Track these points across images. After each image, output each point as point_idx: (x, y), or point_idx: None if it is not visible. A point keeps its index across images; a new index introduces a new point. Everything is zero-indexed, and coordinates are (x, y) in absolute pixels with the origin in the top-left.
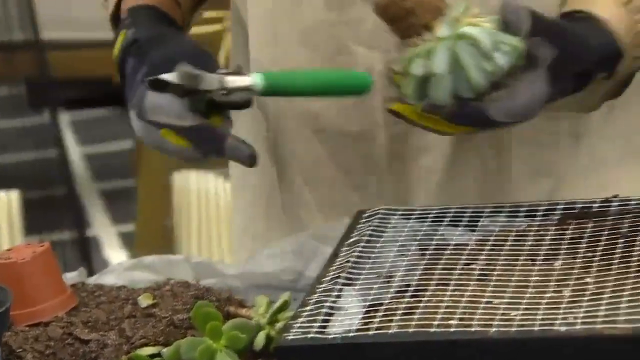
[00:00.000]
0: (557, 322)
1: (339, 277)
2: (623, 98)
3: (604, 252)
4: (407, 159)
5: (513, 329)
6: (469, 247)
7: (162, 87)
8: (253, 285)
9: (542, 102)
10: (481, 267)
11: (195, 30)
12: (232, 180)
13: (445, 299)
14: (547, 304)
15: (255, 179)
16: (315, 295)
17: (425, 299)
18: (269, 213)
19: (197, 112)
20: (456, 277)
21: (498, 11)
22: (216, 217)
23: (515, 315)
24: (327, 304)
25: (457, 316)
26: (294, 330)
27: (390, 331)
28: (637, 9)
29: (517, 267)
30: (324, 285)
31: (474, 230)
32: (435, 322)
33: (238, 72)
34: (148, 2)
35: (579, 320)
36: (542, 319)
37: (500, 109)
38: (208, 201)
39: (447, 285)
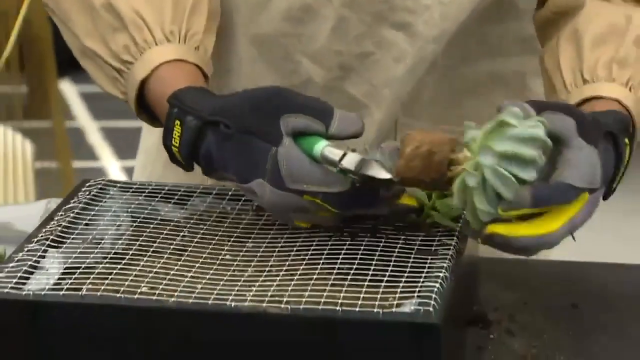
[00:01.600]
0: (230, 297)
1: (47, 239)
2: None
3: (287, 240)
4: None
5: (190, 300)
6: (173, 222)
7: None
8: None
9: (599, 163)
10: (178, 241)
11: None
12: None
13: (139, 267)
14: (227, 280)
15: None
16: (21, 253)
17: (122, 265)
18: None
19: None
20: (154, 247)
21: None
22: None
23: (198, 288)
24: (30, 262)
25: (145, 284)
26: None
27: (79, 293)
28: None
29: (211, 245)
30: (31, 245)
31: (183, 208)
32: (123, 288)
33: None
34: (190, 85)
35: (249, 297)
36: (218, 293)
37: (574, 176)
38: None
39: (145, 254)
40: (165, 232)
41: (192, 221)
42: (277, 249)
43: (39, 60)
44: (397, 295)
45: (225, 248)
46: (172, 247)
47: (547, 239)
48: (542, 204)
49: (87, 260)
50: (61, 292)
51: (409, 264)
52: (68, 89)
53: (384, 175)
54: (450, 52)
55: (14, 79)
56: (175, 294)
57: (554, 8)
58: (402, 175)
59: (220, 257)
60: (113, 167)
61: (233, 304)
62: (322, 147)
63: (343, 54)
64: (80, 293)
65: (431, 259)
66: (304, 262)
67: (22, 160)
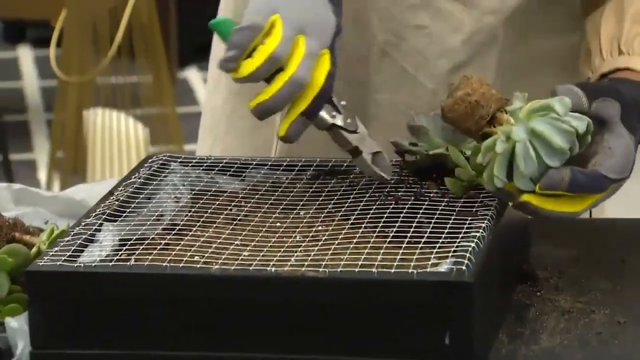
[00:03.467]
0: (272, 262)
1: (104, 213)
2: None
3: (335, 205)
4: None
5: (233, 267)
6: (227, 192)
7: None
8: (64, 212)
9: (634, 153)
10: (229, 210)
11: None
12: (209, 78)
13: (189, 236)
14: (271, 245)
15: (227, 83)
16: (78, 228)
17: (173, 235)
18: (231, 119)
19: None
20: (205, 217)
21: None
22: (126, 150)
23: (243, 255)
24: (85, 236)
25: (192, 252)
26: (47, 257)
27: (127, 263)
28: None
29: (260, 213)
30: (88, 220)
31: (239, 179)
32: (170, 257)
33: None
34: None
35: (291, 262)
36: (261, 259)
37: (610, 168)
38: (118, 137)
39: (196, 224)
40: (218, 202)
41: (245, 191)
42: (323, 214)
43: (150, 50)
44: (433, 256)
45: (274, 215)
46: (223, 216)
47: (570, 215)
48: (577, 190)
49: (140, 232)
50: (110, 264)
51: (449, 225)
52: (193, 76)
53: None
54: (512, 26)
55: (127, 68)
56: (220, 261)
57: None
58: (445, 112)
59: (268, 224)
60: None
61: (274, 269)
62: None
63: (397, 19)
64: (128, 264)
65: (470, 219)
66: (347, 226)
67: (136, 144)
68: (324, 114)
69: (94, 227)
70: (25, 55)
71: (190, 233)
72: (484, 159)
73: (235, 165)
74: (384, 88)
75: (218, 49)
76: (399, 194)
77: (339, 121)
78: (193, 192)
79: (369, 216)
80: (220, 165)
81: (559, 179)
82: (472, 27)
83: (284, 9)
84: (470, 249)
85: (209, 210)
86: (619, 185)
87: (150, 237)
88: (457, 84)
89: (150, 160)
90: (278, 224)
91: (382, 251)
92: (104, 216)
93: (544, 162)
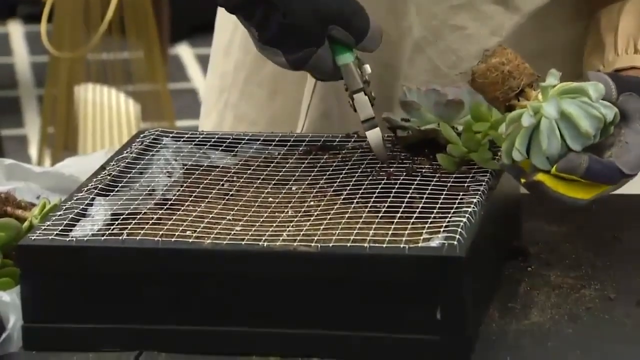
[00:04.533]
0: (264, 237)
1: (96, 187)
2: None
3: (327, 180)
4: None
5: (225, 242)
6: (219, 167)
7: None
8: (55, 187)
9: None
10: (222, 185)
11: None
12: (217, 44)
13: (181, 211)
14: (264, 220)
15: (242, 49)
16: (69, 202)
17: (165, 210)
18: (245, 85)
19: None
20: (197, 192)
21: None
22: (117, 127)
23: (235, 229)
24: (77, 210)
25: (185, 227)
26: (40, 232)
27: (119, 237)
28: None
29: (253, 187)
30: (80, 194)
31: (231, 154)
32: (162, 232)
33: None
34: None
35: (283, 237)
36: (254, 234)
37: (625, 163)
38: (109, 113)
39: (188, 198)
40: (210, 177)
41: (237, 166)
42: (315, 190)
43: (142, 26)
44: (424, 231)
45: (267, 190)
46: (215, 191)
47: (578, 202)
48: (591, 178)
49: (132, 207)
50: (102, 238)
51: (440, 201)
52: (185, 52)
53: (366, 114)
54: (530, 19)
55: (118, 44)
56: (212, 235)
57: None
58: (475, 77)
59: (260, 199)
60: None
61: (266, 243)
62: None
63: (438, 17)
64: (120, 238)
65: (462, 195)
66: (339, 201)
67: (127, 121)
68: (356, 76)
69: (86, 202)
70: (15, 31)
71: (182, 208)
72: (506, 130)
73: (228, 141)
74: (414, 80)
75: (223, 14)
76: (391, 169)
77: (366, 89)
78: (185, 167)
79: (361, 191)
80: (213, 140)
81: (577, 164)
82: (509, 30)
83: None
84: (461, 224)
85: (201, 185)
86: (626, 181)
87: (142, 211)
88: (492, 51)
89: (142, 135)
90: (270, 199)
91: (374, 226)
92: (96, 190)
93: (566, 144)
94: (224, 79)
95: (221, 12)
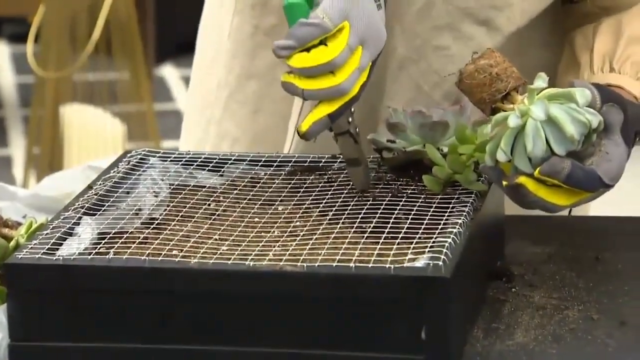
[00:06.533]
0: (251, 256)
1: (82, 206)
2: None
3: (313, 201)
4: None
5: (211, 261)
6: (206, 187)
7: None
8: (40, 207)
9: (625, 164)
10: (208, 205)
11: None
12: (199, 61)
13: (168, 230)
14: (250, 240)
15: (226, 67)
16: (56, 221)
17: (152, 229)
18: (228, 102)
19: None
20: (184, 211)
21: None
22: (103, 147)
23: (221, 249)
24: (64, 229)
25: (171, 246)
26: (26, 250)
27: (106, 257)
28: None
29: (239, 207)
30: (67, 213)
31: (218, 174)
32: (149, 251)
33: None
34: None
35: (269, 256)
36: (240, 254)
37: (606, 172)
38: (95, 133)
39: (174, 218)
40: (197, 197)
41: (224, 186)
42: (301, 210)
43: (128, 47)
44: (410, 251)
45: (253, 210)
46: (201, 211)
47: (555, 208)
48: (572, 183)
49: (119, 226)
50: (89, 257)
51: (425, 221)
52: (170, 73)
53: (349, 155)
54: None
55: (104, 64)
56: (198, 255)
57: (601, 4)
58: (463, 78)
59: (246, 219)
60: None
61: (252, 263)
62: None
63: (421, 37)
64: (107, 257)
65: (447, 215)
66: (326, 221)
67: (113, 141)
68: (343, 119)
69: (72, 221)
70: (1, 51)
71: (169, 227)
72: (491, 131)
73: (214, 161)
74: (398, 98)
75: (206, 32)
76: (377, 190)
77: (352, 128)
78: (172, 187)
79: (346, 212)
80: (199, 160)
81: (560, 168)
82: None
83: (354, 18)
84: (446, 244)
85: (188, 205)
86: (604, 192)
87: (129, 231)
88: (480, 53)
89: (129, 155)
90: (256, 219)
91: (359, 246)
92: (82, 210)
93: (550, 148)
94: (207, 96)
95: (203, 30)
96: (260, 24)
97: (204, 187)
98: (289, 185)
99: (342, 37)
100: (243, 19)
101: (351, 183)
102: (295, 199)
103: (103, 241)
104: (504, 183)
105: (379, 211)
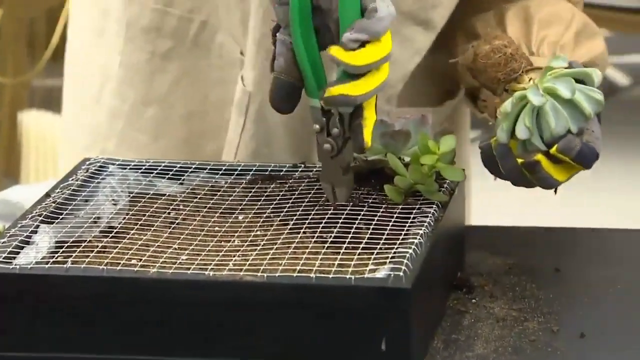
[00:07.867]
0: (211, 266)
1: (40, 214)
2: None
3: (274, 210)
4: None
5: (170, 271)
6: (165, 196)
7: None
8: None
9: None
10: (167, 214)
11: None
12: (79, 96)
13: (127, 239)
14: (210, 250)
15: (116, 98)
16: (14, 229)
17: (110, 238)
18: (124, 132)
19: None
20: (143, 220)
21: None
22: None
23: (181, 259)
24: (21, 238)
25: (130, 256)
26: None
27: (63, 266)
28: None
29: (199, 217)
30: (24, 221)
31: (178, 182)
32: (107, 260)
33: None
34: None
35: (229, 266)
36: (199, 263)
37: (599, 149)
38: (53, 140)
39: (133, 227)
40: (156, 205)
41: (183, 195)
42: (262, 219)
43: None
44: (371, 262)
45: (213, 219)
46: (161, 219)
47: (556, 183)
48: (580, 160)
49: (77, 235)
50: (46, 266)
51: (387, 231)
52: None
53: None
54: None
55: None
56: (157, 264)
57: None
58: (479, 58)
59: (206, 228)
60: None
61: (211, 273)
62: None
63: None
64: (64, 266)
65: (408, 226)
66: (286, 231)
67: None
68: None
69: (30, 229)
70: None
71: (128, 236)
72: (511, 109)
73: (174, 169)
74: None
75: (81, 66)
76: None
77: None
78: (131, 195)
79: (307, 221)
80: (159, 168)
81: (574, 145)
82: (426, 49)
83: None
84: (408, 255)
85: (147, 214)
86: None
87: (87, 239)
88: (493, 34)
89: (87, 163)
90: (217, 228)
91: (320, 256)
92: (40, 218)
93: (567, 126)
94: (96, 130)
95: (73, 66)
96: (156, 50)
97: (164, 195)
98: (250, 194)
99: (389, 34)
100: (136, 45)
101: (312, 191)
102: (256, 208)
103: (61, 250)
104: (520, 160)
105: (340, 221)
